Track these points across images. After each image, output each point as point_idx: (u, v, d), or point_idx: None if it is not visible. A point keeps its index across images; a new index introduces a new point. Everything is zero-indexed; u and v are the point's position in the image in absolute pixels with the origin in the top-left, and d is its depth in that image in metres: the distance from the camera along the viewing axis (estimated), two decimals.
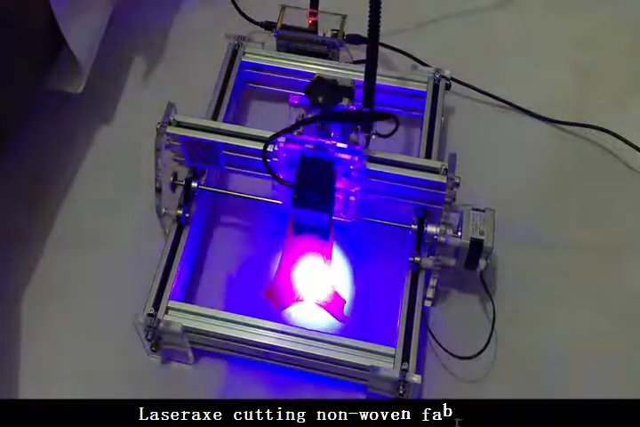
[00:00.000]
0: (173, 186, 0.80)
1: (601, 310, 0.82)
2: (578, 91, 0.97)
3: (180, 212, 0.79)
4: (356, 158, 0.72)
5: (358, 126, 0.73)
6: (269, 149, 0.71)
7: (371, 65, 0.71)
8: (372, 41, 0.69)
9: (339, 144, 0.71)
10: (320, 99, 0.68)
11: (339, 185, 0.74)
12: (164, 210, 0.79)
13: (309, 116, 0.70)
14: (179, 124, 0.77)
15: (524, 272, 0.84)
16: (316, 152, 0.71)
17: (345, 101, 0.71)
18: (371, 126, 0.74)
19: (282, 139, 0.71)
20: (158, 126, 0.76)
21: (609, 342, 0.80)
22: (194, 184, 0.80)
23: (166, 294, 0.75)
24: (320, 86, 0.68)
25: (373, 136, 0.75)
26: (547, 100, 0.95)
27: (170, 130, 0.76)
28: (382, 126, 0.74)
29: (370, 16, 0.67)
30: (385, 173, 0.76)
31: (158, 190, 0.77)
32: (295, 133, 0.72)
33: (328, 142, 0.71)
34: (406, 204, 0.78)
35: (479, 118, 0.94)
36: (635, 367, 0.79)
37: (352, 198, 0.76)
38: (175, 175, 0.80)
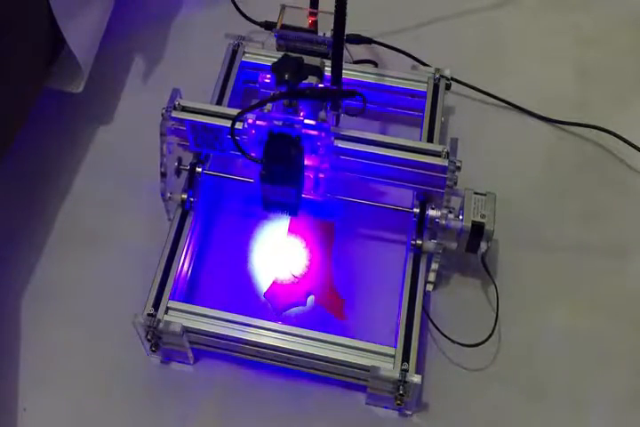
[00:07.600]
0: (178, 171, 0.80)
1: (601, 309, 0.82)
2: (578, 91, 0.97)
3: (185, 196, 0.79)
4: (323, 134, 0.71)
5: (328, 105, 0.73)
6: (238, 126, 0.70)
7: (337, 45, 0.71)
8: (338, 8, 0.69)
9: (306, 120, 0.71)
10: (286, 76, 0.67)
11: (308, 162, 0.74)
12: (168, 194, 0.79)
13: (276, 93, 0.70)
14: (184, 109, 0.77)
15: (523, 272, 0.83)
16: (284, 128, 0.71)
17: (312, 80, 0.71)
18: (339, 105, 0.74)
19: (251, 116, 0.71)
20: (163, 111, 0.76)
21: (609, 342, 0.80)
22: (198, 169, 0.81)
23: (166, 294, 0.75)
24: (287, 64, 0.67)
25: (342, 114, 0.75)
26: (547, 100, 0.95)
27: (175, 114, 0.76)
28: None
29: None
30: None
31: (163, 175, 0.77)
32: (265, 111, 0.71)
33: (296, 119, 0.71)
34: (408, 187, 0.78)
35: (479, 118, 0.94)
36: (635, 367, 0.79)
37: (321, 176, 0.76)
38: (180, 160, 0.81)
